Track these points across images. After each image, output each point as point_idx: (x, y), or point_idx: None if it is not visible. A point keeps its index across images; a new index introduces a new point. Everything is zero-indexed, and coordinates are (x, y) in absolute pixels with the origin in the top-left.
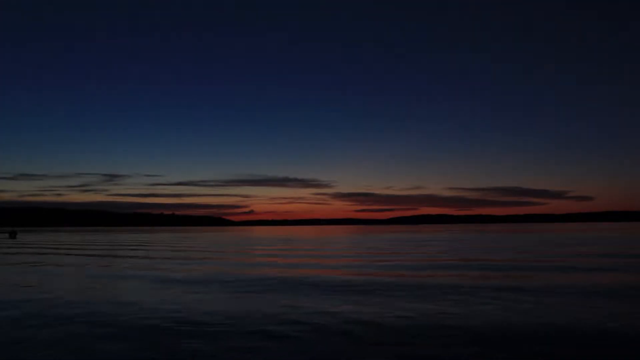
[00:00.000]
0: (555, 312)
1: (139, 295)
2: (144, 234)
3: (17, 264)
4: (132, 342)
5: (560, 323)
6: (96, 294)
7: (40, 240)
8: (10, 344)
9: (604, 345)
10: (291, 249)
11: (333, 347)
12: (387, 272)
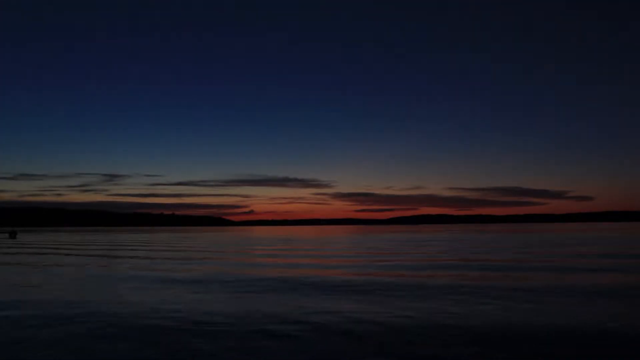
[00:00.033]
0: (555, 312)
1: (139, 295)
2: (144, 234)
3: (17, 264)
4: (132, 342)
5: (560, 323)
6: (96, 294)
7: (40, 240)
8: (10, 344)
9: (604, 345)
10: (291, 249)
11: (333, 346)
12: (387, 272)
